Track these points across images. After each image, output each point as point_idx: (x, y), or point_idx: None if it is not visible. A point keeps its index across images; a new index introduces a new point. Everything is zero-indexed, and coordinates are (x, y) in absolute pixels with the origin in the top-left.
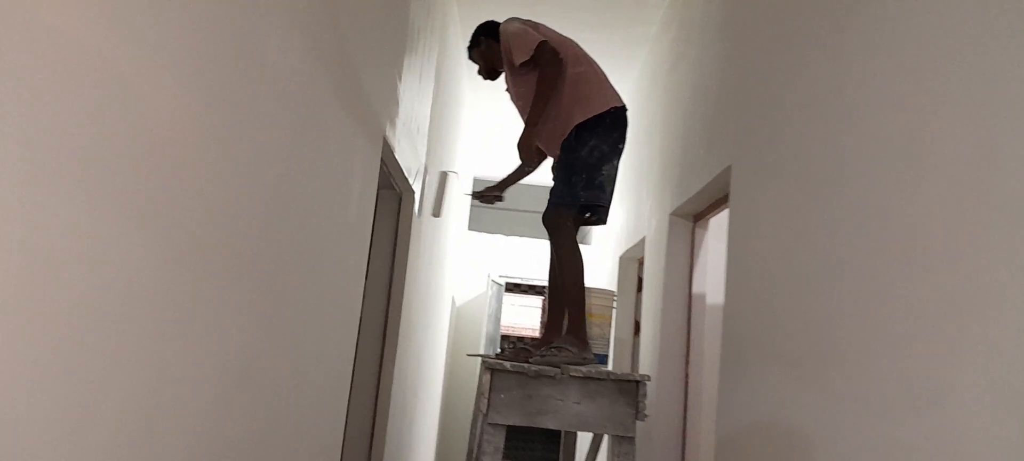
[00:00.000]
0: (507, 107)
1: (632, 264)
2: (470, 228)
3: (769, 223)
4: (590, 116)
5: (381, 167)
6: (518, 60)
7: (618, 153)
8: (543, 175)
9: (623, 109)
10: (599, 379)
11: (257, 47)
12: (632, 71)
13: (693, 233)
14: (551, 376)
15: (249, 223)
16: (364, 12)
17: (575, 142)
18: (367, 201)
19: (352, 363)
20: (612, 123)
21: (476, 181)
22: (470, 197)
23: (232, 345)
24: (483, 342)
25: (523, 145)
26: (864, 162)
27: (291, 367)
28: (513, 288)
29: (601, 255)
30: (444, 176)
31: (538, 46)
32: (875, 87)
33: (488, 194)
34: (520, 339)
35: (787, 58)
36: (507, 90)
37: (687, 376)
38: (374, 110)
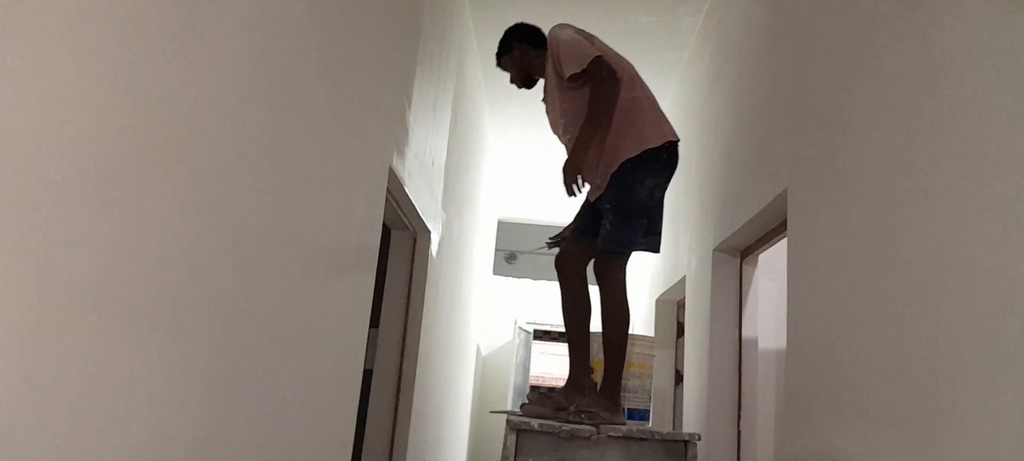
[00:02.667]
0: (536, 146)
1: (671, 307)
2: (495, 273)
3: (839, 251)
4: (644, 149)
5: (391, 203)
6: (568, 72)
7: (663, 195)
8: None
9: (677, 143)
10: (642, 439)
11: (231, 39)
12: (663, 103)
13: (740, 270)
14: (586, 437)
15: (212, 255)
16: (364, 25)
17: (631, 181)
18: (371, 236)
19: (354, 424)
20: (669, 159)
21: (500, 224)
22: (547, 246)
23: (182, 417)
24: (511, 394)
25: (570, 170)
26: (968, 169)
27: (267, 437)
28: (542, 336)
29: (635, 298)
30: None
31: (593, 61)
32: (980, 78)
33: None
34: (551, 390)
35: (854, 57)
36: (544, 100)
37: (739, 433)
38: (378, 134)
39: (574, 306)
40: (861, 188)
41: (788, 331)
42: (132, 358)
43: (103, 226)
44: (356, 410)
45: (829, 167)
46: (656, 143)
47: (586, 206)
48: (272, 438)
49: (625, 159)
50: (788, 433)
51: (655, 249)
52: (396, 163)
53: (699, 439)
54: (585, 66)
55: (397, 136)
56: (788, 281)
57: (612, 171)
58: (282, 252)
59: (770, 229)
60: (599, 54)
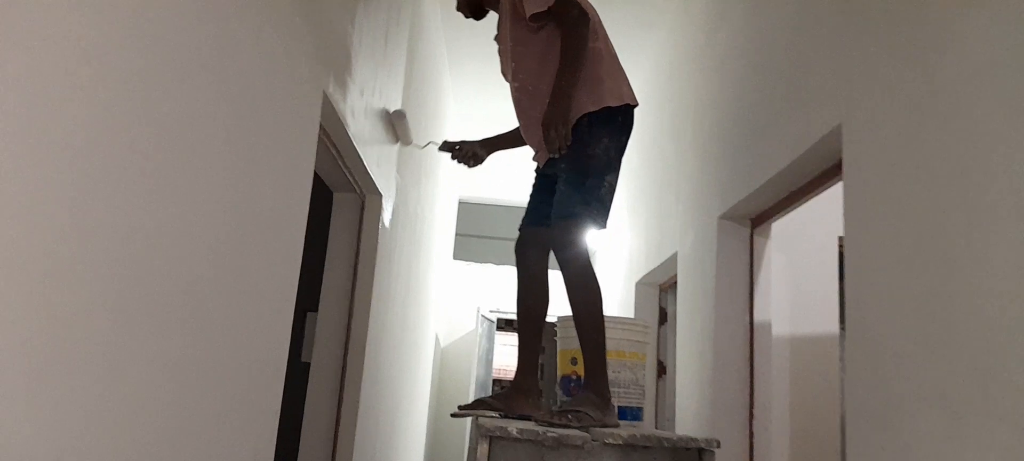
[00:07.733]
0: (502, 118)
1: (652, 290)
2: (455, 257)
3: (932, 198)
4: (602, 107)
5: (329, 150)
6: (532, 9)
7: (619, 164)
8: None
9: (634, 108)
10: (646, 447)
11: None
12: (647, 64)
13: (751, 242)
14: (578, 445)
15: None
16: None
17: (588, 136)
18: (298, 179)
19: (274, 428)
20: (624, 123)
21: (462, 204)
22: (434, 146)
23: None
24: (473, 389)
25: (557, 121)
26: None
27: (141, 452)
28: (505, 325)
29: (610, 283)
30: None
31: None
32: None
33: (466, 146)
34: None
35: None
36: (496, 39)
37: (751, 435)
38: (306, 42)
39: (531, 298)
40: (962, 109)
41: (848, 307)
42: None
43: None
44: (278, 411)
45: (911, 89)
46: (615, 102)
47: (539, 181)
48: (149, 453)
49: (582, 114)
50: (857, 440)
51: (602, 223)
52: (333, 92)
53: (718, 447)
54: (550, 4)
55: (334, 55)
56: (847, 241)
57: (569, 127)
58: (158, 192)
59: (803, 183)
60: None
